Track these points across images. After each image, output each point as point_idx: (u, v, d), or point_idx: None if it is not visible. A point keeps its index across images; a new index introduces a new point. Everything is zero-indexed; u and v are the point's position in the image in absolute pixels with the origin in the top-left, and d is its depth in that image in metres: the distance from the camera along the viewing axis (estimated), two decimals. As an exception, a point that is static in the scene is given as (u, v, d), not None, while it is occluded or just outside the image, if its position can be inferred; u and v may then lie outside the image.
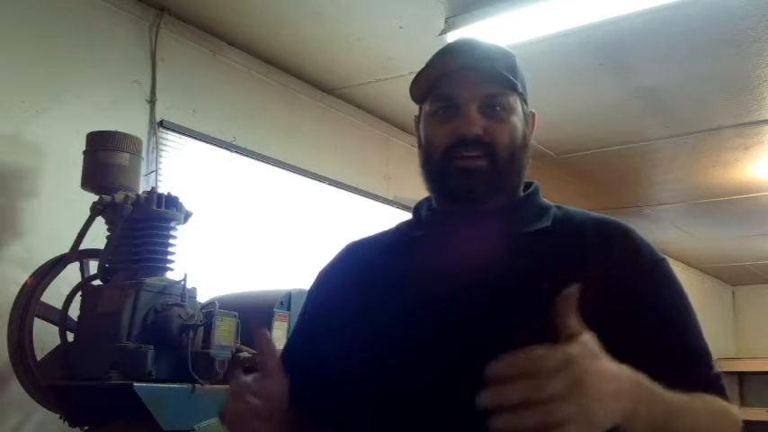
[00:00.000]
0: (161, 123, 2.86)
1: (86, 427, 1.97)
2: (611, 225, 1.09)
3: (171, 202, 2.07)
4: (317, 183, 3.60)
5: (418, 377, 1.00)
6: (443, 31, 2.92)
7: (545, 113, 3.75)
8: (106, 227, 2.08)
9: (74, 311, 2.05)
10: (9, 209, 2.38)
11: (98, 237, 2.12)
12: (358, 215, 3.80)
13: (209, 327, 1.94)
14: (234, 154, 3.17)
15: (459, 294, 1.00)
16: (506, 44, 2.99)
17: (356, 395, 1.05)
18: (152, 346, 1.83)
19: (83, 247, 2.14)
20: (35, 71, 2.50)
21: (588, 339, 0.79)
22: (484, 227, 1.06)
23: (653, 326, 1.00)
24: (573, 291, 0.80)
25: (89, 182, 2.27)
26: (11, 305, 2.10)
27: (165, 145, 2.88)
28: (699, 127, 4.01)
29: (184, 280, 1.95)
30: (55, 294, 2.11)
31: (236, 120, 3.21)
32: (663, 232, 6.08)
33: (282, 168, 3.40)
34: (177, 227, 2.10)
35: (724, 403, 1.00)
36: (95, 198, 2.10)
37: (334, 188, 3.69)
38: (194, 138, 3.01)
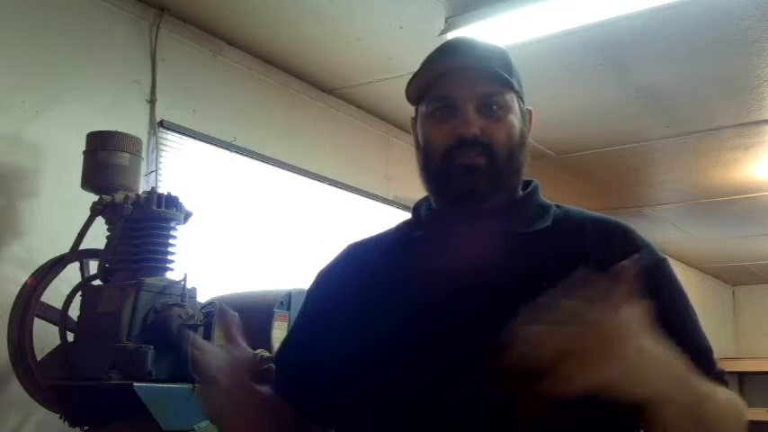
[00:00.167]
0: (161, 123, 2.86)
1: (86, 427, 1.97)
2: (612, 225, 1.09)
3: (171, 202, 2.07)
4: (317, 183, 3.59)
5: (418, 377, 1.00)
6: (443, 31, 2.92)
7: (545, 113, 3.74)
8: (106, 227, 2.08)
9: (74, 311, 2.05)
10: (9, 209, 2.38)
11: (98, 237, 2.12)
12: (358, 215, 3.80)
13: (209, 327, 1.94)
14: (234, 154, 3.17)
15: (458, 294, 1.00)
16: (506, 44, 2.98)
17: (356, 395, 1.05)
18: (152, 346, 1.82)
19: (83, 247, 2.14)
20: (35, 71, 2.50)
21: (635, 312, 0.81)
22: (484, 226, 1.06)
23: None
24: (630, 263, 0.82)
25: (89, 182, 2.27)
26: (11, 305, 2.10)
27: (165, 145, 2.88)
28: (699, 127, 4.01)
29: (184, 280, 1.95)
30: (55, 294, 2.11)
31: (236, 120, 3.21)
32: (663, 232, 6.08)
33: (282, 168, 3.40)
34: (177, 227, 2.10)
35: (733, 394, 1.00)
36: (95, 198, 2.10)
37: (334, 188, 3.69)
38: (194, 138, 3.01)
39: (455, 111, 1.06)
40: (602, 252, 1.04)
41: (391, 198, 4.05)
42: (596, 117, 3.92)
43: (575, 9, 2.77)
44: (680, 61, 3.24)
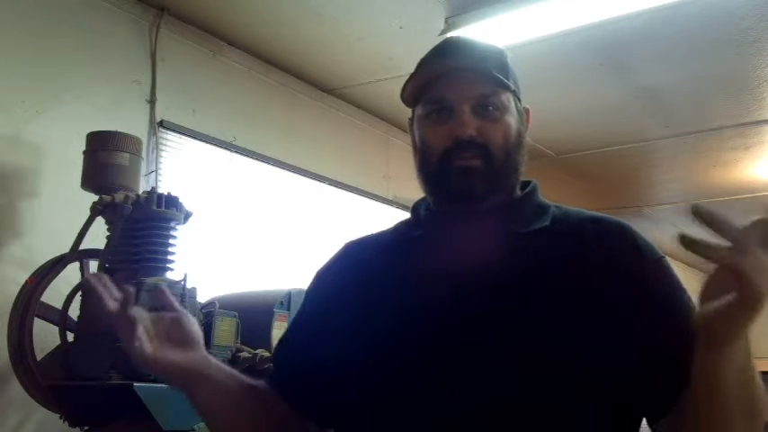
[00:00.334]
0: (161, 123, 2.86)
1: (86, 427, 1.97)
2: (611, 224, 1.09)
3: (171, 202, 2.07)
4: (317, 183, 3.59)
5: (417, 376, 1.00)
6: (443, 31, 2.92)
7: (545, 113, 3.72)
8: (106, 227, 2.08)
9: (74, 311, 2.05)
10: (9, 209, 2.38)
11: (98, 237, 2.12)
12: (358, 215, 3.80)
13: (209, 327, 1.94)
14: (234, 154, 3.17)
15: (458, 293, 1.00)
16: (506, 44, 2.97)
17: (354, 395, 1.04)
18: (152, 346, 1.82)
19: (83, 247, 2.14)
20: (35, 71, 2.50)
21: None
22: (482, 226, 1.06)
23: (653, 324, 1.00)
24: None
25: (89, 182, 2.27)
26: (11, 305, 2.10)
27: (165, 145, 2.88)
28: (699, 127, 4.01)
29: (184, 280, 1.95)
30: (55, 294, 2.11)
31: (236, 120, 3.21)
32: (663, 232, 6.06)
33: (282, 168, 3.40)
34: (177, 227, 2.10)
35: None
36: (95, 198, 2.10)
37: (334, 188, 3.69)
38: (194, 138, 3.01)
39: (451, 112, 1.06)
40: (601, 251, 1.04)
41: (391, 198, 4.05)
42: (596, 117, 3.92)
43: (575, 9, 2.77)
44: (680, 61, 3.24)
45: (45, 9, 2.56)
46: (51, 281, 2.13)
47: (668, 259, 1.07)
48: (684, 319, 1.01)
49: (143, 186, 2.45)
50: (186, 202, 2.12)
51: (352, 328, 1.07)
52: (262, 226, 3.24)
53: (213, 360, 1.07)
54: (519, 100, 1.12)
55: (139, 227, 2.03)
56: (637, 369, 0.98)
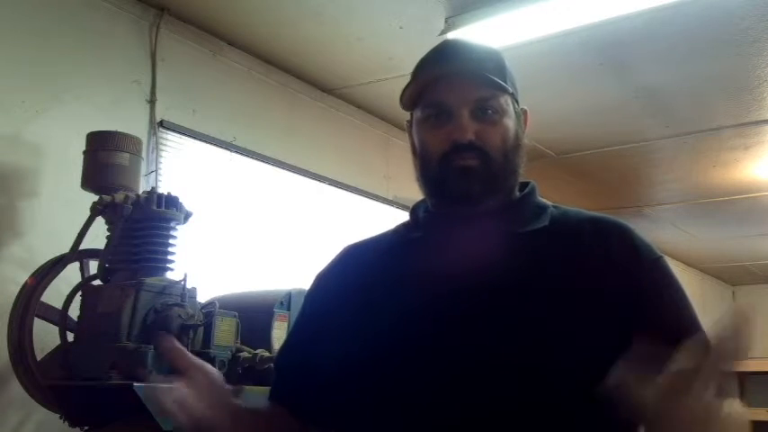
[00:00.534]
0: (161, 123, 2.86)
1: (86, 427, 1.97)
2: (609, 224, 1.09)
3: (171, 202, 2.07)
4: (317, 183, 3.59)
5: (418, 377, 1.00)
6: (443, 32, 2.91)
7: (545, 113, 3.72)
8: (106, 227, 2.08)
9: (74, 311, 2.05)
10: (9, 209, 2.38)
11: (98, 237, 2.12)
12: (358, 215, 3.80)
13: (209, 327, 1.94)
14: (234, 154, 3.17)
15: (458, 294, 1.00)
16: (506, 44, 2.96)
17: (355, 395, 1.05)
18: (152, 346, 1.82)
19: (83, 247, 2.14)
20: (35, 71, 2.50)
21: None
22: (481, 227, 1.07)
23: (652, 324, 1.00)
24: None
25: (89, 182, 2.27)
26: (11, 305, 2.10)
27: (165, 145, 2.88)
28: (699, 127, 4.00)
29: (184, 280, 1.95)
30: (55, 294, 2.11)
31: (236, 120, 3.21)
32: (663, 232, 6.07)
33: (282, 168, 3.40)
34: (177, 227, 2.10)
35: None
36: (95, 198, 2.10)
37: (334, 188, 3.69)
38: (194, 138, 3.01)
39: (450, 116, 1.07)
40: (600, 251, 1.04)
41: (391, 198, 4.04)
42: (596, 117, 3.92)
43: (575, 9, 2.77)
44: (680, 61, 3.24)
45: (45, 9, 2.56)
46: (51, 281, 2.12)
47: (667, 259, 1.07)
48: (682, 320, 1.02)
49: (143, 186, 2.45)
50: (186, 202, 2.12)
51: (353, 330, 1.07)
52: (262, 226, 3.24)
53: (239, 406, 1.05)
54: (517, 102, 1.12)
55: (139, 227, 2.03)
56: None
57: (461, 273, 1.01)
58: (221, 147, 3.11)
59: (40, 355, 2.09)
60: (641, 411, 0.79)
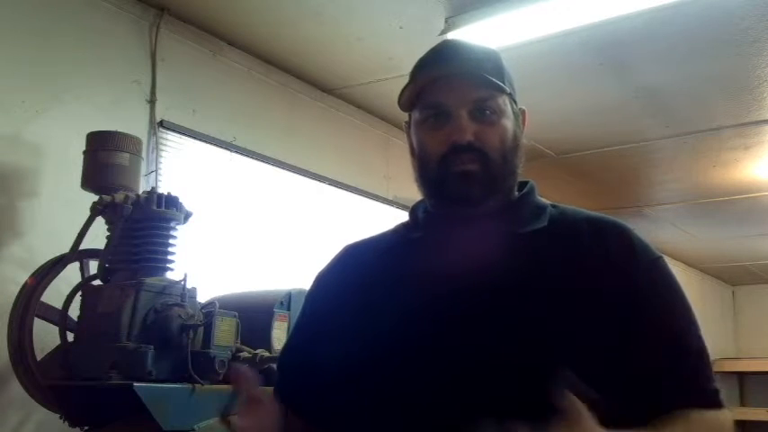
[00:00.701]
0: (161, 123, 2.86)
1: (86, 427, 1.97)
2: (608, 224, 1.09)
3: (171, 202, 2.07)
4: (317, 183, 3.59)
5: (418, 377, 1.00)
6: (443, 31, 2.91)
7: (545, 113, 3.72)
8: (106, 227, 2.08)
9: (74, 311, 2.05)
10: (9, 209, 2.38)
11: (98, 237, 2.12)
12: (358, 215, 3.80)
13: (209, 327, 1.94)
14: (234, 154, 3.17)
15: (458, 294, 1.01)
16: (506, 44, 2.96)
17: (355, 396, 1.05)
18: (152, 346, 1.83)
19: (83, 247, 2.14)
20: (35, 71, 2.50)
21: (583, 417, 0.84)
22: (481, 228, 1.07)
23: (650, 324, 1.00)
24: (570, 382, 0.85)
25: (89, 182, 2.27)
26: (11, 305, 2.10)
27: (165, 145, 2.88)
28: (699, 127, 4.00)
29: (184, 280, 1.95)
30: (55, 294, 2.11)
31: (236, 120, 3.21)
32: (663, 232, 6.07)
33: (282, 168, 3.40)
34: (177, 227, 2.10)
35: (712, 423, 0.99)
36: (95, 198, 2.10)
37: (334, 188, 3.69)
38: (194, 138, 3.01)
39: (448, 117, 1.07)
40: (598, 251, 1.04)
41: (391, 198, 4.05)
42: (596, 117, 3.92)
43: (575, 9, 2.76)
44: (680, 61, 3.24)
45: (45, 9, 2.56)
46: (51, 281, 2.13)
47: (667, 259, 1.07)
48: (679, 320, 1.02)
49: (143, 186, 2.45)
50: (186, 202, 2.13)
51: (353, 329, 1.07)
52: (262, 226, 3.24)
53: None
54: (515, 102, 1.12)
55: (139, 227, 2.03)
56: (633, 369, 0.98)
57: (461, 273, 1.01)
58: (221, 147, 3.11)
59: (40, 355, 2.09)
60: None
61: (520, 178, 1.14)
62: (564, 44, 3.07)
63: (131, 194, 2.06)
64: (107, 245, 2.05)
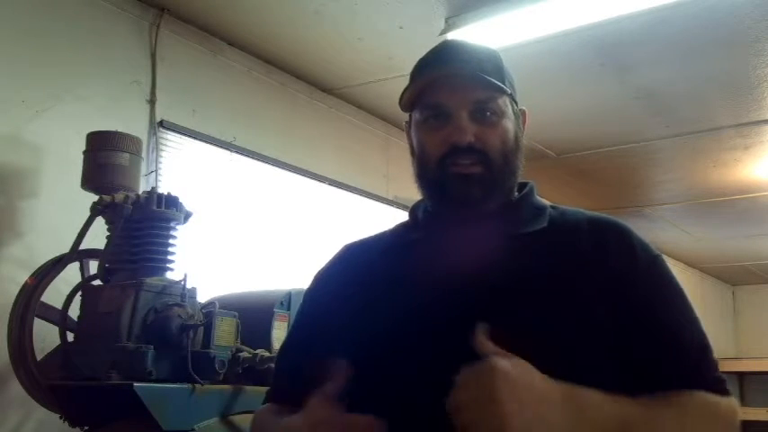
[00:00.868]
0: (161, 123, 2.86)
1: (86, 427, 1.97)
2: (608, 224, 1.09)
3: (171, 202, 2.07)
4: (317, 183, 3.60)
5: (416, 377, 1.00)
6: (443, 31, 2.92)
7: (545, 113, 3.72)
8: (106, 227, 2.08)
9: (74, 311, 2.05)
10: (9, 209, 2.38)
11: (98, 237, 2.12)
12: (358, 215, 3.81)
13: (209, 327, 1.94)
14: (234, 154, 3.17)
15: (457, 294, 1.00)
16: (506, 44, 2.95)
17: (354, 395, 1.04)
18: (152, 346, 1.82)
19: (83, 247, 2.14)
20: (35, 71, 2.50)
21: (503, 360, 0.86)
22: (481, 228, 1.07)
23: (650, 323, 1.00)
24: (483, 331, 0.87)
25: (89, 182, 2.27)
26: (11, 305, 2.10)
27: (165, 145, 2.88)
28: (699, 127, 4.01)
29: (184, 280, 1.95)
30: (55, 294, 2.11)
31: (236, 120, 3.21)
32: (663, 232, 6.08)
33: (282, 168, 3.40)
34: (177, 227, 2.10)
35: (712, 406, 0.99)
36: (95, 198, 2.10)
37: (334, 188, 3.69)
38: (194, 138, 3.01)
39: (449, 118, 1.07)
40: (598, 251, 1.04)
41: (391, 198, 4.05)
42: (596, 117, 3.92)
43: (575, 9, 2.77)
44: (680, 61, 3.24)
45: (45, 9, 2.56)
46: (51, 281, 2.13)
47: (667, 259, 1.07)
48: (679, 318, 1.02)
49: (143, 186, 2.45)
50: (186, 202, 2.13)
51: (351, 329, 1.07)
52: (262, 226, 3.24)
53: None
54: (515, 102, 1.12)
55: (139, 227, 2.03)
56: (635, 367, 0.98)
57: (460, 273, 1.01)
58: (221, 147, 3.12)
59: (40, 355, 2.09)
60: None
61: (520, 179, 1.14)
62: (564, 44, 3.07)
63: (131, 194, 2.06)
64: (107, 245, 2.05)
